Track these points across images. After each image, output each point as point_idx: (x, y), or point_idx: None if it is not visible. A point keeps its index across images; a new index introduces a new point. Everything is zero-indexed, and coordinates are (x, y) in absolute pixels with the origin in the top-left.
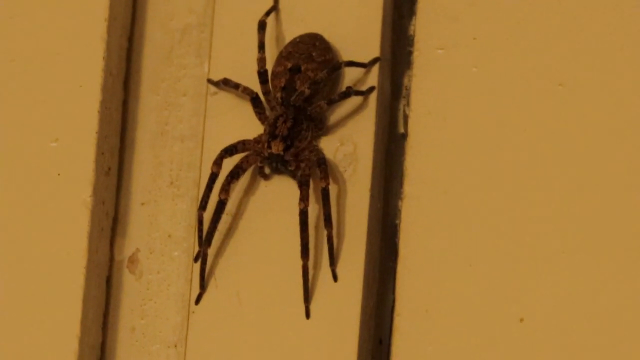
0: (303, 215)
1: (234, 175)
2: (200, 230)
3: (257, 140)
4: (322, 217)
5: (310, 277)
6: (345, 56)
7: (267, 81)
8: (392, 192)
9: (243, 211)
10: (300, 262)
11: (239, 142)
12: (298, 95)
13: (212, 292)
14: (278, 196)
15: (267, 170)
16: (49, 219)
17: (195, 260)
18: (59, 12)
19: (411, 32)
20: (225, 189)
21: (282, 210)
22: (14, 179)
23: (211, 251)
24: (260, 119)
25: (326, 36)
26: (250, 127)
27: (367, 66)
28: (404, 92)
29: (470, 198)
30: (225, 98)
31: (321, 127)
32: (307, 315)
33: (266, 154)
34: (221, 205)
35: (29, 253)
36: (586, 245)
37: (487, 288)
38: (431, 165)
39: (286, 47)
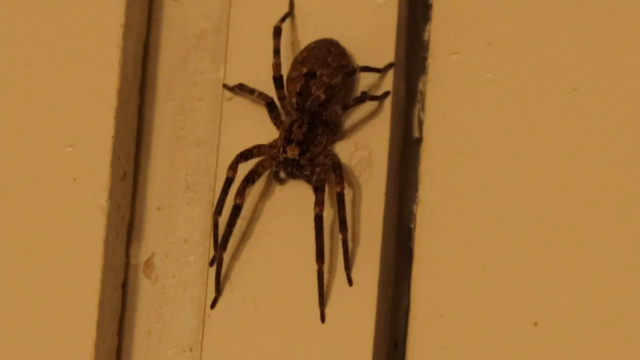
0: (318, 220)
1: (250, 179)
2: (215, 234)
3: (272, 145)
4: (337, 222)
5: (325, 281)
6: (360, 61)
7: (282, 86)
8: (407, 196)
9: (258, 216)
10: (315, 266)
11: (254, 147)
12: (313, 100)
13: (227, 296)
14: (293, 201)
15: (282, 175)
16: (65, 224)
17: (211, 264)
18: (75, 18)
19: (426, 38)
20: (241, 193)
21: (298, 215)
22: (30, 184)
23: (227, 255)
24: (275, 124)
25: (341, 42)
26: (265, 132)
27: (382, 71)
28: (418, 97)
29: (485, 203)
30: (241, 103)
31: (336, 132)
32: (323, 319)
33: (281, 159)
34: (237, 210)
35: (45, 257)
36: (601, 249)
37: (502, 292)
38: (446, 170)
39: (301, 52)
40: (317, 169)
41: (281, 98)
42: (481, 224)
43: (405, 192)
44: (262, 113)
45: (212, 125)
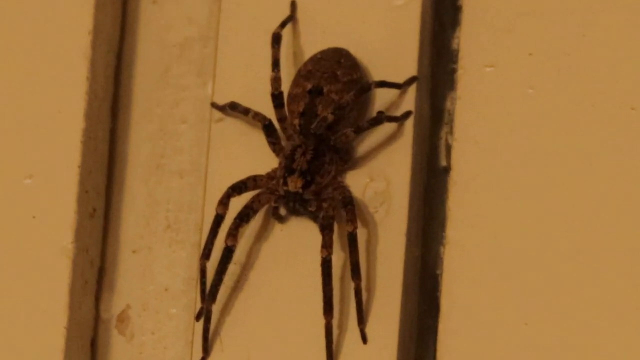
0: (326, 265)
1: (243, 217)
2: (203, 283)
3: (270, 176)
4: (348, 267)
5: (334, 338)
6: (375, 75)
7: (282, 105)
8: (433, 237)
9: (254, 260)
10: (322, 321)
11: (249, 178)
12: (320, 122)
13: (217, 356)
14: (296, 242)
15: (282, 212)
16: (22, 270)
17: (197, 318)
18: (34, 24)
19: (455, 46)
20: (233, 233)
21: (301, 259)
22: None
23: (216, 308)
24: (274, 151)
25: (353, 51)
26: (262, 160)
27: (402, 87)
28: (446, 117)
29: (526, 245)
30: (233, 125)
31: (347, 160)
32: None
33: (282, 192)
34: (228, 254)
35: (0, 310)
36: None
37: (547, 352)
38: (479, 205)
39: (305, 64)
40: (325, 205)
41: (281, 119)
42: (521, 271)
43: (430, 231)
44: (258, 137)
45: (198, 151)
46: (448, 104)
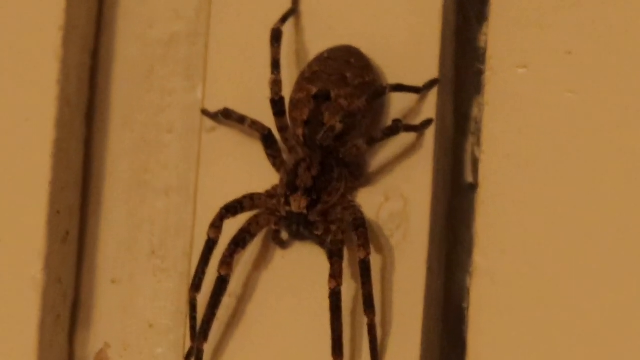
0: (335, 298)
1: (239, 242)
2: (193, 318)
3: (270, 195)
4: (360, 300)
5: None
6: (391, 77)
7: (284, 112)
8: (457, 264)
9: (251, 292)
10: None
11: (245, 197)
12: (327, 131)
13: None
14: (299, 271)
15: (284, 236)
16: None
17: (187, 359)
18: None
19: (481, 44)
20: (227, 261)
21: (306, 291)
22: None
23: (208, 347)
24: (274, 165)
25: (365, 50)
26: (260, 176)
27: (421, 91)
28: (472, 126)
29: (565, 274)
30: (226, 136)
31: (358, 176)
32: None
33: (283, 213)
34: (221, 284)
35: None
36: None
37: None
38: (511, 228)
39: (310, 65)
40: (333, 227)
41: (282, 128)
42: (559, 304)
43: (454, 258)
44: (256, 149)
45: (187, 166)
46: (474, 111)
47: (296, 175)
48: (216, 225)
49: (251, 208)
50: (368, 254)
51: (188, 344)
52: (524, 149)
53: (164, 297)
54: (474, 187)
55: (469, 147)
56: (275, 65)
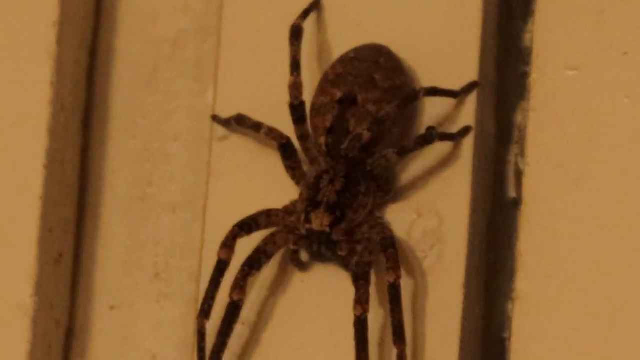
0: (361, 326)
1: (254, 264)
2: (201, 349)
3: (289, 211)
4: (389, 329)
5: None
6: (425, 80)
7: (304, 119)
8: (498, 289)
9: (267, 320)
10: None
11: (260, 214)
12: (353, 140)
13: None
14: (321, 297)
15: (304, 257)
16: None
17: None
18: None
19: (527, 43)
20: (240, 285)
21: (328, 319)
22: None
23: None
24: (293, 178)
25: (395, 49)
26: (277, 189)
27: (458, 95)
28: (515, 135)
29: (620, 302)
30: (239, 145)
31: (388, 191)
32: None
33: (303, 232)
34: (233, 311)
35: None
36: None
37: None
38: (558, 248)
39: (334, 66)
40: (359, 248)
41: (302, 137)
42: (612, 335)
43: (494, 283)
44: (273, 160)
45: (195, 178)
46: (518, 118)
47: (318, 189)
48: (228, 245)
49: (267, 226)
50: (398, 277)
51: None
52: (574, 160)
53: (168, 326)
54: (517, 203)
55: (512, 158)
56: (295, 65)
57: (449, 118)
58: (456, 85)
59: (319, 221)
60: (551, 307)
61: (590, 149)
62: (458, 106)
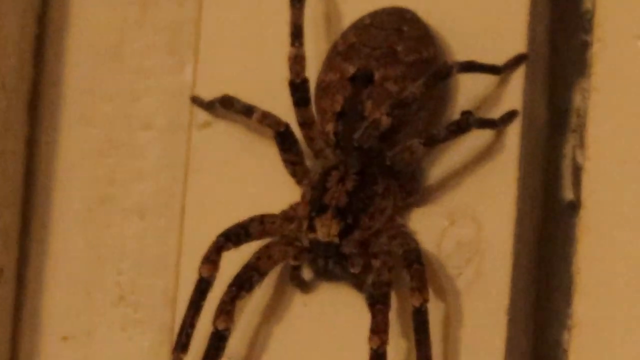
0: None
1: (243, 284)
2: None
3: (287, 216)
4: None
5: None
6: (460, 53)
7: (308, 101)
8: (550, 314)
9: (260, 353)
10: None
11: (252, 220)
12: (369, 128)
13: None
14: (328, 324)
15: (307, 275)
16: None
17: None
18: None
19: (587, 6)
20: (227, 310)
21: (337, 351)
22: None
23: None
24: (294, 175)
25: (422, 14)
26: (272, 189)
27: (502, 71)
28: (574, 122)
29: None
30: (225, 133)
31: (412, 191)
32: None
33: (306, 243)
34: (218, 342)
35: None
36: None
37: None
38: (624, 262)
39: (345, 35)
40: (376, 263)
41: (305, 123)
42: None
43: (547, 307)
44: (267, 152)
45: (170, 176)
46: (577, 100)
47: (324, 189)
48: (211, 260)
49: (260, 236)
50: (425, 300)
51: None
52: None
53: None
54: (575, 206)
55: (568, 151)
56: (297, 33)
57: (489, 101)
58: (499, 59)
59: (326, 230)
60: (616, 338)
61: None
62: (501, 85)
